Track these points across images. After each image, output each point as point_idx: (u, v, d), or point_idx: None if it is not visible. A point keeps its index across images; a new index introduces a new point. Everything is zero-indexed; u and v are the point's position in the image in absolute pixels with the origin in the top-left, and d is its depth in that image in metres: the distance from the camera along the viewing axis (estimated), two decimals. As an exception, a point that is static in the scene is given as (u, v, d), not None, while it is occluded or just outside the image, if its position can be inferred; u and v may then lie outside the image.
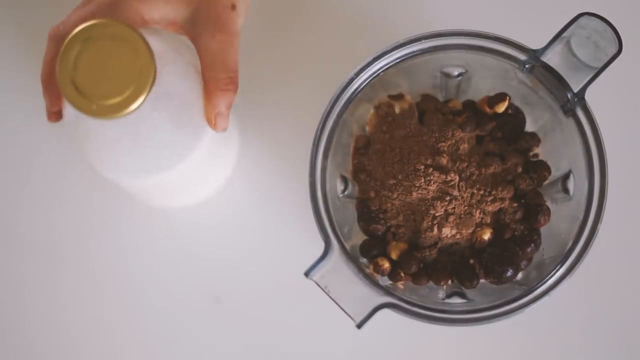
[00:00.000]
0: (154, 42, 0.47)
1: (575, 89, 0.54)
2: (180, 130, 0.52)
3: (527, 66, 0.56)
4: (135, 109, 0.46)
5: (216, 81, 0.52)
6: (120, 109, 0.46)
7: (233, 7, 0.54)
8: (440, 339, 0.65)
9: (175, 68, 0.51)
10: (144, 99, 0.46)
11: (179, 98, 0.51)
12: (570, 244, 0.55)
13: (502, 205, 0.59)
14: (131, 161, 0.52)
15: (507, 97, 0.60)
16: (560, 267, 0.54)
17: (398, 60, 0.57)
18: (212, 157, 0.58)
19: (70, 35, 0.46)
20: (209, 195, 0.66)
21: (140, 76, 0.46)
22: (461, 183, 0.58)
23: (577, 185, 0.57)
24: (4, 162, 0.68)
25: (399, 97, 0.61)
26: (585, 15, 0.53)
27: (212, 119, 0.53)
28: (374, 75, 0.57)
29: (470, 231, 0.58)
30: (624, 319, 0.66)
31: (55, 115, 0.54)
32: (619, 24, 0.53)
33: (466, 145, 0.60)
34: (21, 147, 0.68)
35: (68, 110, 0.51)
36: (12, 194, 0.67)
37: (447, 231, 0.58)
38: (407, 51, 0.57)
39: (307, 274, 0.53)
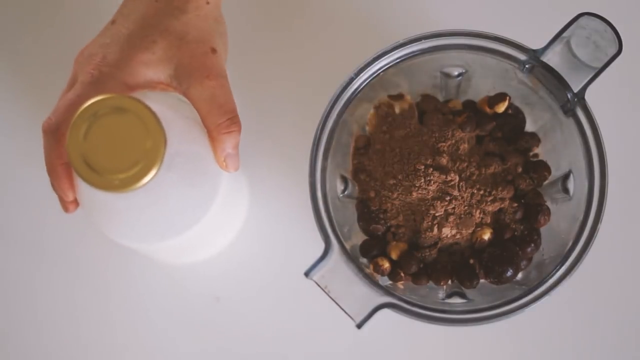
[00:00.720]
0: (151, 106, 0.46)
1: (575, 89, 0.54)
2: (196, 185, 0.51)
3: (527, 66, 0.56)
4: (152, 179, 0.45)
5: (218, 126, 0.52)
6: (136, 181, 0.44)
7: (213, 51, 0.53)
8: (440, 339, 0.65)
9: (177, 125, 0.50)
10: (159, 166, 0.45)
11: (189, 153, 0.50)
12: (570, 244, 0.55)
13: (502, 205, 0.58)
14: (149, 229, 0.51)
15: (507, 97, 0.60)
16: (560, 267, 0.54)
17: (398, 60, 0.57)
18: (227, 204, 0.57)
19: (76, 115, 0.45)
20: (226, 243, 0.65)
21: (152, 145, 0.45)
22: (461, 183, 0.58)
23: (577, 185, 0.57)
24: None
25: (399, 97, 0.61)
26: (585, 15, 0.53)
27: (222, 163, 0.53)
28: (374, 75, 0.57)
29: (470, 231, 0.58)
30: (624, 319, 0.66)
31: (73, 204, 0.53)
32: (619, 24, 0.53)
33: (466, 145, 0.60)
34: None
35: (79, 184, 0.50)
36: (7, 198, 0.68)
37: (447, 231, 0.57)
38: (407, 51, 0.57)
39: (307, 274, 0.53)
